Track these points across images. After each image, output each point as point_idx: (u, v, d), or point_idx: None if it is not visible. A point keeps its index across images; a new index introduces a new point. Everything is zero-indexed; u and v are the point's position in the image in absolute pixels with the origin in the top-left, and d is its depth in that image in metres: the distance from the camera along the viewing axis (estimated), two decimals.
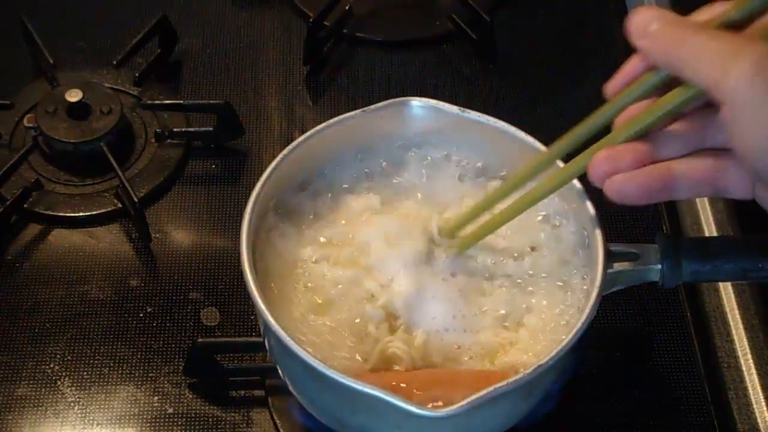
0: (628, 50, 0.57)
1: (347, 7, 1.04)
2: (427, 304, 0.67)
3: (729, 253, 0.66)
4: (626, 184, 0.57)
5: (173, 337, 0.82)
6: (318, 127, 0.72)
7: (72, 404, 0.78)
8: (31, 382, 0.79)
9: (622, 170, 0.57)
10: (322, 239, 0.71)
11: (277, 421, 0.77)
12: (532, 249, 0.70)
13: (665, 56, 0.54)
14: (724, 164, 0.57)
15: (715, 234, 0.88)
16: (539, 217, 0.72)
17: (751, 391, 0.79)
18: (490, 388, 0.58)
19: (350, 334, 0.66)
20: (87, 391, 0.79)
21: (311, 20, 1.00)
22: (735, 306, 0.84)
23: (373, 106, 0.72)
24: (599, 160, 0.58)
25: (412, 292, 0.67)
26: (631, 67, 0.58)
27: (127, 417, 0.78)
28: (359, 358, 0.65)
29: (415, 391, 0.62)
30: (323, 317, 0.67)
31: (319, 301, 0.68)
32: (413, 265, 0.68)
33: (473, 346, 0.66)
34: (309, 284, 0.69)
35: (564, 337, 0.62)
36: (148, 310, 0.84)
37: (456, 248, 0.69)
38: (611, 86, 0.59)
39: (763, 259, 0.66)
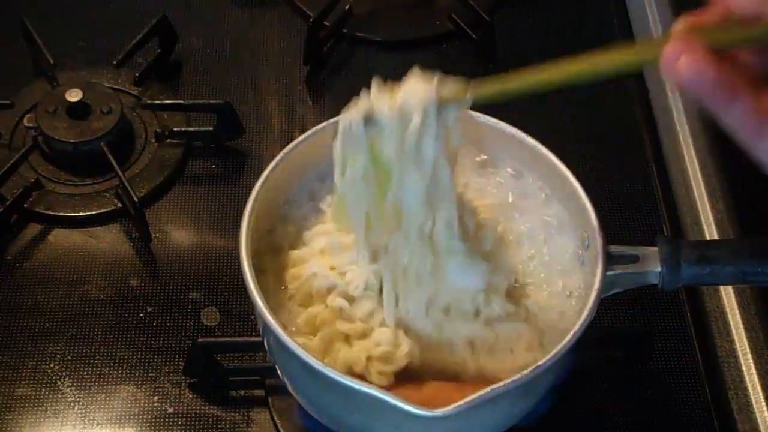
0: None
1: (347, 7, 1.04)
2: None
3: (729, 256, 0.66)
4: (707, 89, 0.51)
5: (173, 337, 0.82)
6: (318, 127, 0.72)
7: (72, 404, 0.78)
8: (31, 382, 0.79)
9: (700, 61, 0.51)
10: (322, 239, 0.71)
11: (277, 421, 0.77)
12: (532, 250, 0.70)
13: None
14: None
15: (715, 234, 0.88)
16: (539, 219, 0.72)
17: (751, 391, 0.79)
18: (489, 389, 0.58)
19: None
20: (87, 391, 0.79)
21: (311, 20, 1.00)
22: (735, 306, 0.83)
23: None
24: (684, 55, 0.50)
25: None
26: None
27: (127, 417, 0.78)
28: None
29: (414, 391, 0.63)
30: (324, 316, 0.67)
31: (320, 300, 0.68)
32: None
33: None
34: (309, 284, 0.69)
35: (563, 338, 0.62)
36: (148, 310, 0.84)
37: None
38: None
39: (762, 263, 0.66)
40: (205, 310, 0.84)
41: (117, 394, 0.79)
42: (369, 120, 0.61)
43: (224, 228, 0.90)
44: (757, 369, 0.80)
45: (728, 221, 0.89)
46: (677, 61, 0.51)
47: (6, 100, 0.95)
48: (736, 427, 0.78)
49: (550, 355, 0.61)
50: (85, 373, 0.80)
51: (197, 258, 0.88)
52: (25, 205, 0.89)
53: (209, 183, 0.93)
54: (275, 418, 0.78)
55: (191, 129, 0.95)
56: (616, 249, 0.67)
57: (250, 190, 0.68)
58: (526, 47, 1.05)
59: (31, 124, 0.92)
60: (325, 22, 1.02)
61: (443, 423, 0.59)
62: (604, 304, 0.65)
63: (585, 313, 0.63)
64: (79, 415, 0.78)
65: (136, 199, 0.86)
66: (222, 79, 1.01)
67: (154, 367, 0.80)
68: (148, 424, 0.78)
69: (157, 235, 0.88)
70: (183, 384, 0.80)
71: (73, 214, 0.89)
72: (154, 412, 0.78)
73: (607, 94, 0.96)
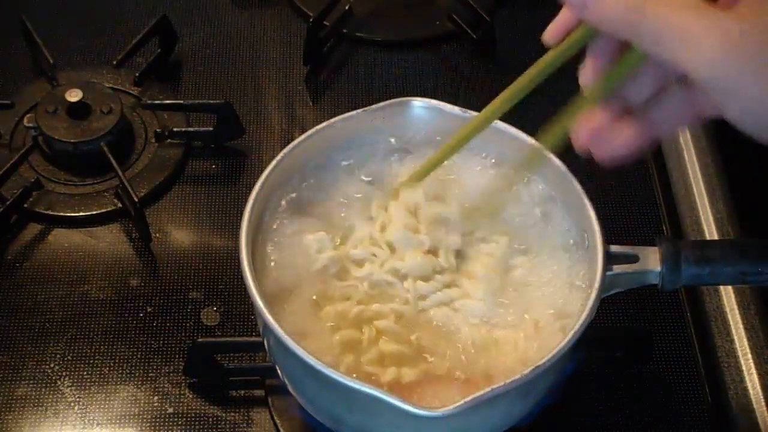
0: None
1: (347, 7, 1.04)
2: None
3: (729, 256, 0.66)
4: (616, 149, 0.56)
5: (173, 337, 0.82)
6: (318, 127, 0.72)
7: (72, 404, 0.78)
8: (31, 382, 0.79)
9: (605, 132, 0.56)
10: (322, 238, 0.71)
11: (277, 421, 0.77)
12: (531, 250, 0.70)
13: (618, 32, 0.51)
14: (693, 94, 0.54)
15: (715, 234, 0.88)
16: (538, 217, 0.72)
17: (751, 391, 0.79)
18: (489, 389, 0.59)
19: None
20: (87, 391, 0.79)
21: (311, 20, 1.00)
22: (735, 306, 0.84)
23: (373, 106, 0.73)
24: (583, 132, 0.56)
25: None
26: (564, 17, 0.56)
27: (127, 417, 0.78)
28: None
29: (414, 391, 0.63)
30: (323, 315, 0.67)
31: (320, 300, 0.68)
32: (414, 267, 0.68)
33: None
34: (309, 284, 0.69)
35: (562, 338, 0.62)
36: (148, 310, 0.84)
37: (413, 181, 0.69)
38: (549, 34, 0.57)
39: (762, 263, 0.66)
40: (205, 310, 0.84)
41: (117, 394, 0.79)
42: None
43: (224, 228, 0.90)
44: (757, 369, 0.80)
45: (728, 221, 0.89)
46: (589, 150, 0.57)
47: (6, 100, 0.95)
48: (736, 427, 0.78)
49: (550, 355, 0.61)
50: (85, 373, 0.80)
51: (197, 258, 0.88)
52: (25, 205, 0.89)
53: (209, 183, 0.93)
54: (275, 418, 0.78)
55: (191, 129, 0.95)
56: (616, 249, 0.67)
57: (250, 190, 0.68)
58: (526, 47, 1.05)
59: (31, 124, 0.92)
60: (325, 22, 1.02)
61: (443, 423, 0.59)
62: (604, 304, 0.65)
63: (585, 313, 0.63)
64: (79, 415, 0.78)
65: (136, 199, 0.86)
66: (222, 79, 1.01)
67: (154, 367, 0.80)
68: (148, 424, 0.78)
69: (157, 235, 0.89)
70: (183, 384, 0.80)
71: (73, 214, 0.89)
72: (154, 412, 0.78)
73: None
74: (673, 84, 0.55)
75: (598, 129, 0.56)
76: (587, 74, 0.57)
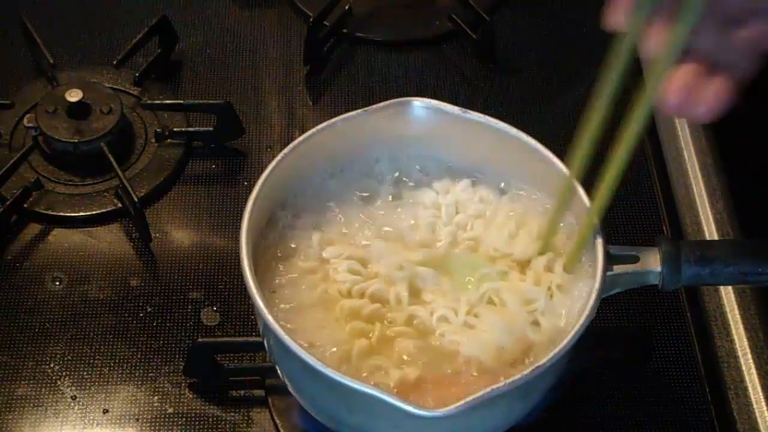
0: None
1: (347, 7, 1.04)
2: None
3: (729, 257, 0.66)
4: (708, 102, 0.56)
5: (173, 337, 0.82)
6: (318, 127, 0.72)
7: (72, 404, 0.78)
8: (31, 382, 0.79)
9: (693, 89, 0.56)
10: (322, 239, 0.71)
11: (277, 421, 0.77)
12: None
13: None
14: (755, 29, 0.55)
15: (715, 234, 0.88)
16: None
17: (751, 391, 0.79)
18: (488, 389, 0.59)
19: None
20: (87, 391, 0.79)
21: (311, 20, 1.00)
22: (735, 306, 0.83)
23: (374, 106, 0.73)
24: (672, 93, 0.56)
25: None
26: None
27: (127, 417, 0.78)
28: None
29: (414, 391, 0.63)
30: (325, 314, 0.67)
31: (320, 300, 0.68)
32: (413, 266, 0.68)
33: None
34: (310, 283, 0.69)
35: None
36: (148, 310, 0.84)
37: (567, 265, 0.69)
38: (614, 18, 0.59)
39: (762, 263, 0.66)
40: (205, 310, 0.84)
41: (117, 394, 0.79)
42: None
43: (224, 228, 0.90)
44: (757, 369, 0.80)
45: (728, 221, 0.89)
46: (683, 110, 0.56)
47: (6, 100, 0.95)
48: (736, 427, 0.78)
49: (550, 355, 0.61)
50: (85, 373, 0.80)
51: (197, 258, 0.87)
52: (25, 205, 0.89)
53: (209, 183, 0.93)
54: (275, 418, 0.78)
55: (191, 129, 0.95)
56: (616, 249, 0.67)
57: (250, 190, 0.68)
58: (526, 47, 1.05)
59: (31, 124, 0.92)
60: (325, 22, 1.02)
61: (443, 423, 0.59)
62: (604, 304, 0.65)
63: (585, 313, 0.63)
64: (79, 415, 0.78)
65: (136, 199, 0.86)
66: (222, 79, 1.01)
67: (154, 367, 0.80)
68: (148, 424, 0.78)
69: (157, 235, 0.88)
70: (183, 384, 0.80)
71: (73, 214, 0.89)
72: (154, 412, 0.78)
73: None
74: (733, 22, 0.55)
75: (686, 87, 0.56)
76: (654, 41, 0.57)
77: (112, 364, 0.81)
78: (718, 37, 0.56)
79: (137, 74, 0.98)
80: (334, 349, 0.65)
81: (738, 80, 0.56)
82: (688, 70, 0.56)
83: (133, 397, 0.79)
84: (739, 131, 0.96)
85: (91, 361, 0.81)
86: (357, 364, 0.64)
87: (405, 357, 0.65)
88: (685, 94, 0.56)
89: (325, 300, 0.68)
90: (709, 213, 0.89)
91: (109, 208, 0.90)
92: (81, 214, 0.89)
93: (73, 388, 0.79)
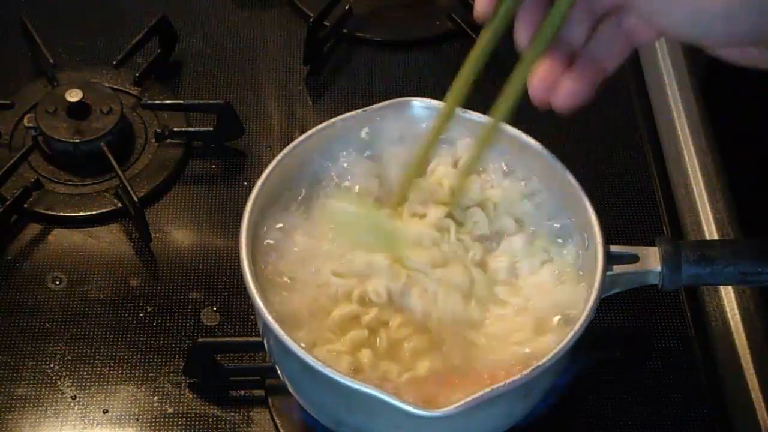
0: None
1: (347, 7, 1.04)
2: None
3: (729, 257, 0.66)
4: (570, 94, 0.59)
5: (173, 337, 0.82)
6: (318, 127, 0.72)
7: (72, 404, 0.78)
8: (31, 382, 0.79)
9: (558, 81, 0.59)
10: (322, 239, 0.71)
11: (277, 421, 0.77)
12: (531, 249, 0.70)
13: None
14: (627, 23, 0.58)
15: (715, 234, 0.88)
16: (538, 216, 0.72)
17: (751, 391, 0.79)
18: (488, 389, 0.59)
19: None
20: (87, 391, 0.79)
21: (311, 20, 1.00)
22: (735, 306, 0.84)
23: (374, 106, 0.73)
24: (537, 81, 0.60)
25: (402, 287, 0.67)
26: None
27: (127, 417, 0.78)
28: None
29: (414, 390, 0.63)
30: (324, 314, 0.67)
31: (320, 300, 0.68)
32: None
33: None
34: (309, 283, 0.69)
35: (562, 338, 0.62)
36: (148, 310, 0.84)
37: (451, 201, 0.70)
38: (482, 6, 0.61)
39: (762, 263, 0.66)
40: (205, 310, 0.84)
41: (117, 394, 0.79)
42: None
43: (224, 228, 0.90)
44: (757, 369, 0.80)
45: (728, 221, 0.89)
46: (547, 101, 0.60)
47: (6, 100, 0.95)
48: (736, 427, 0.78)
49: (550, 355, 0.61)
50: (85, 373, 0.80)
51: (197, 258, 0.88)
52: (25, 205, 0.89)
53: (209, 183, 0.93)
54: (275, 418, 0.78)
55: (191, 129, 0.95)
56: (616, 249, 0.67)
57: (250, 190, 0.68)
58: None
59: (31, 124, 0.92)
60: (325, 22, 1.02)
61: (443, 423, 0.59)
62: (603, 304, 0.65)
63: (585, 312, 0.63)
64: (79, 415, 0.78)
65: (136, 199, 0.86)
66: (222, 79, 1.01)
67: (154, 367, 0.80)
68: (148, 424, 0.78)
69: (157, 235, 0.88)
70: (183, 384, 0.80)
71: (73, 214, 0.89)
72: (154, 412, 0.78)
73: (607, 93, 0.96)
74: (604, 17, 0.58)
75: (551, 79, 0.59)
76: (523, 33, 0.60)
77: (112, 364, 0.81)
78: (589, 30, 0.59)
79: (137, 74, 0.98)
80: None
81: (603, 73, 0.59)
82: (553, 61, 0.59)
83: (133, 397, 0.79)
84: (739, 131, 0.96)
85: (91, 361, 0.81)
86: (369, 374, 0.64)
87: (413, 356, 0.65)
88: (545, 86, 0.59)
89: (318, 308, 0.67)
90: (709, 213, 0.89)
91: (109, 208, 0.90)
92: (81, 214, 0.89)
93: (73, 388, 0.79)
